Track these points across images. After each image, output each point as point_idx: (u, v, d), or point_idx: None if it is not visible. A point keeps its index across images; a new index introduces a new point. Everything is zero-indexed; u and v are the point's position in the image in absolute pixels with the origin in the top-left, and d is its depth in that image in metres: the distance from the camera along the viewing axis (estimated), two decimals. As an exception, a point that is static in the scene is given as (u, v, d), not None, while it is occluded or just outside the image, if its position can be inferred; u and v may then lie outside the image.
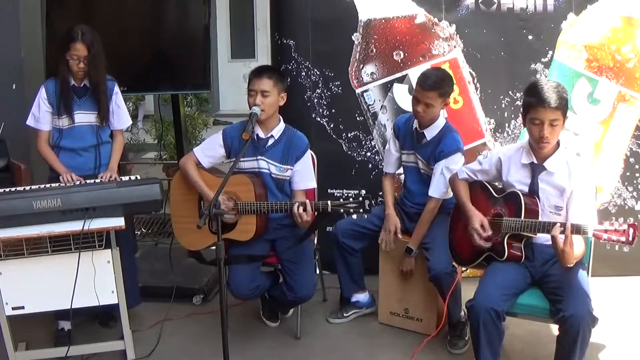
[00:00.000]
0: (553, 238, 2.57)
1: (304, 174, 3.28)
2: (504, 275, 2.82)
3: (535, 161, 2.83)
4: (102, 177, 3.16)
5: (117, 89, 3.31)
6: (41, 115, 3.21)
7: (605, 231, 2.49)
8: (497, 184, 3.03)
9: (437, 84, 3.21)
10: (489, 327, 2.73)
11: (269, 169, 3.24)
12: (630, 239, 2.45)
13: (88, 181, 3.10)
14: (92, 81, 3.19)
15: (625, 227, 2.46)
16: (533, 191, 2.84)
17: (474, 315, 2.75)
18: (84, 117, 3.23)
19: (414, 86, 3.38)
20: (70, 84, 3.19)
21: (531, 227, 2.73)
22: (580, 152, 3.93)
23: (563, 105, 2.69)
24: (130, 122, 3.48)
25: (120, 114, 3.34)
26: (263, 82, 3.13)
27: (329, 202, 2.92)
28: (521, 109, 2.84)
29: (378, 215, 3.52)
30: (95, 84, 3.20)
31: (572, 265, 2.59)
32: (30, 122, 3.24)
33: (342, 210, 2.91)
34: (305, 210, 2.94)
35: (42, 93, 3.20)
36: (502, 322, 2.77)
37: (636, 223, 2.48)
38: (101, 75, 3.20)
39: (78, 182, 3.08)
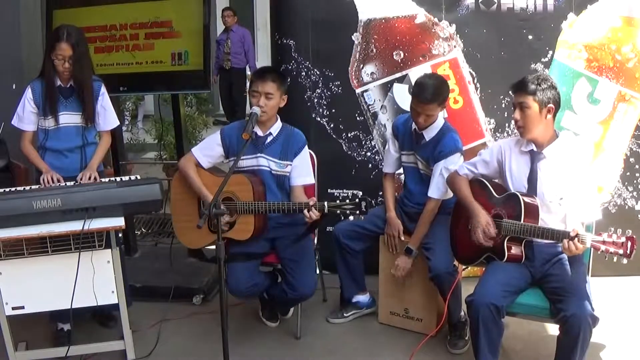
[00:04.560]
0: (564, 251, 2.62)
1: (302, 169, 3.28)
2: (504, 272, 2.83)
3: (535, 149, 2.85)
4: (81, 177, 3.14)
5: (103, 89, 3.28)
6: (25, 115, 3.19)
7: (603, 242, 2.49)
8: (496, 180, 3.03)
9: (435, 95, 3.21)
10: (488, 322, 2.73)
11: (268, 166, 3.25)
12: (628, 252, 2.45)
13: (68, 183, 3.08)
14: (77, 81, 3.17)
15: (623, 239, 2.46)
16: (532, 178, 2.85)
17: (473, 310, 2.76)
18: (70, 118, 3.22)
19: (411, 91, 3.36)
20: (56, 84, 3.17)
21: (531, 232, 2.74)
22: (580, 149, 3.92)
23: (532, 91, 2.77)
24: (117, 123, 3.44)
25: (107, 115, 3.31)
26: (267, 84, 3.14)
27: (325, 203, 2.93)
28: None
29: (379, 216, 3.52)
30: (80, 85, 3.17)
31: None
32: (14, 122, 3.22)
33: (338, 212, 2.92)
34: (310, 210, 2.94)
35: (28, 93, 3.18)
36: (501, 319, 2.77)
37: (634, 236, 2.47)
38: (86, 75, 3.18)
39: (57, 184, 3.06)
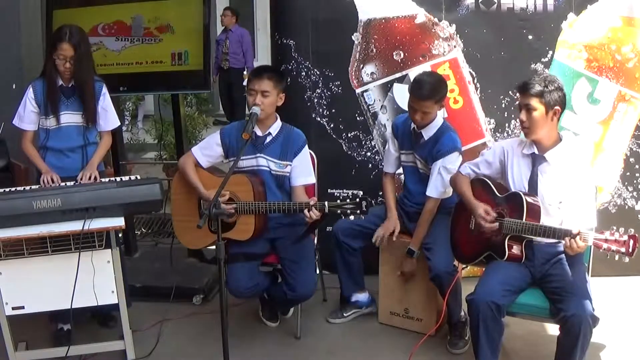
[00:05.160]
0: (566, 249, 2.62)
1: (303, 169, 3.28)
2: (505, 271, 2.83)
3: (537, 152, 2.85)
4: (81, 177, 3.14)
5: (104, 89, 3.28)
6: (26, 114, 3.19)
7: (606, 241, 2.49)
8: (498, 180, 3.03)
9: (432, 92, 3.21)
10: (488, 321, 2.73)
11: (268, 166, 3.25)
12: (630, 250, 2.45)
13: (65, 183, 3.08)
14: (78, 82, 3.17)
15: (625, 238, 2.46)
16: (532, 182, 2.85)
17: (474, 309, 2.76)
18: (71, 118, 3.22)
19: (409, 88, 3.36)
20: (58, 84, 3.17)
21: (532, 230, 2.73)
22: (580, 151, 3.92)
23: (539, 94, 2.75)
24: (118, 123, 3.45)
25: (107, 116, 3.31)
26: (263, 82, 3.14)
27: (326, 202, 2.93)
28: None
29: (379, 216, 3.51)
30: (81, 85, 3.18)
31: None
32: (15, 121, 3.23)
33: (339, 211, 2.92)
34: (310, 210, 2.94)
35: (30, 93, 3.18)
36: (502, 317, 2.77)
37: (636, 235, 2.47)
38: (88, 76, 3.19)
39: (57, 184, 3.06)
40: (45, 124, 3.21)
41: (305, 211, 2.94)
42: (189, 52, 3.88)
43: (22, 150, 3.24)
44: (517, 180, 2.90)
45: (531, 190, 2.86)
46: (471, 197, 2.98)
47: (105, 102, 3.29)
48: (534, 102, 2.76)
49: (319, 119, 4.07)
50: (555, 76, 2.89)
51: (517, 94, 2.87)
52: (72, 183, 3.09)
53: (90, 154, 3.28)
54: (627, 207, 4.05)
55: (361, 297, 3.63)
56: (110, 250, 2.97)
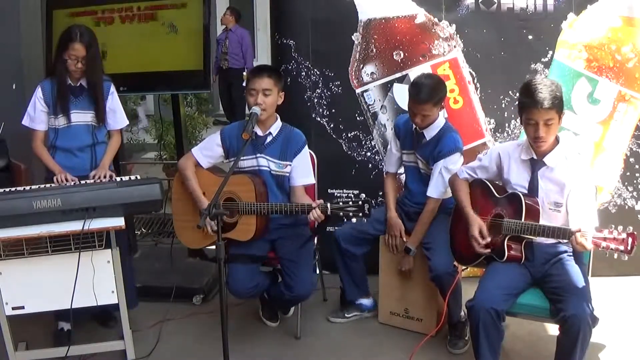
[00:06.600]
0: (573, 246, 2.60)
1: (302, 169, 3.28)
2: (504, 275, 2.82)
3: (535, 157, 2.84)
4: (94, 176, 3.14)
5: (112, 89, 3.30)
6: (36, 115, 3.20)
7: (604, 239, 2.48)
8: (497, 182, 3.03)
9: (430, 95, 3.20)
10: (488, 327, 2.73)
11: (268, 166, 3.25)
12: (629, 248, 2.43)
13: (83, 182, 3.09)
14: (90, 82, 3.19)
15: (624, 235, 2.44)
16: (533, 187, 2.84)
17: (474, 315, 2.75)
18: (80, 117, 3.22)
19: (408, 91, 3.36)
20: (66, 83, 3.18)
21: (531, 230, 2.73)
22: (580, 152, 3.92)
23: (557, 104, 2.70)
24: (127, 122, 3.46)
25: (116, 115, 3.32)
26: (264, 81, 3.14)
27: (328, 204, 2.92)
28: (518, 108, 2.86)
29: (378, 220, 3.51)
30: (93, 85, 3.19)
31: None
32: (25, 121, 3.23)
33: (341, 214, 2.91)
34: (311, 212, 2.94)
35: (38, 93, 3.19)
36: (502, 322, 2.77)
37: (635, 232, 2.46)
38: (98, 75, 3.20)
39: (72, 183, 3.07)
40: (55, 123, 3.22)
41: (312, 213, 2.94)
42: (189, 52, 3.88)
43: (33, 150, 3.24)
44: (517, 186, 2.88)
45: (531, 195, 2.85)
46: (468, 207, 2.97)
47: (114, 102, 3.30)
48: (553, 115, 2.69)
49: (318, 119, 4.07)
50: (552, 79, 2.86)
51: (524, 109, 2.75)
52: (72, 183, 3.09)
53: (99, 153, 3.29)
54: (627, 207, 4.05)
55: (365, 301, 3.63)
56: (110, 250, 2.97)
